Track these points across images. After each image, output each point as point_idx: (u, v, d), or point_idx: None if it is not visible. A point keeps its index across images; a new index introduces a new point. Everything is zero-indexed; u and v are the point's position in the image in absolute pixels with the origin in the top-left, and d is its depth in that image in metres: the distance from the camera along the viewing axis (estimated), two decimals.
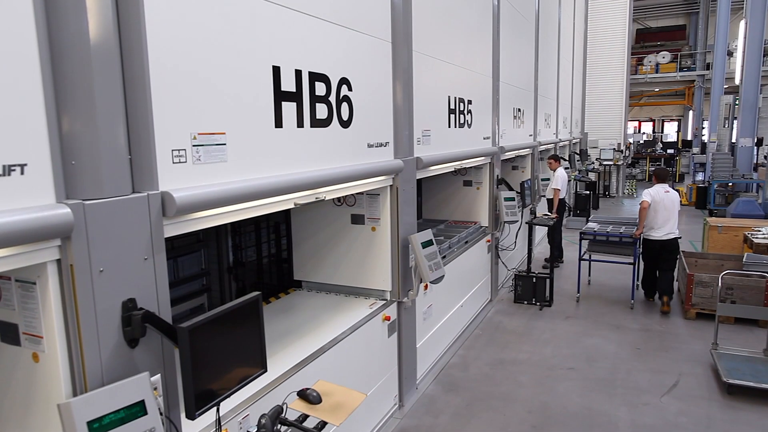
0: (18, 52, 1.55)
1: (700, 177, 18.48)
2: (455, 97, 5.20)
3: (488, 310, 6.59)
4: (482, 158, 6.08)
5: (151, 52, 1.93)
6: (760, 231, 7.26)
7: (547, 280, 6.67)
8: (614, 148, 16.94)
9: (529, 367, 5.02)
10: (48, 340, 1.73)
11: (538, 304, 6.69)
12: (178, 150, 2.07)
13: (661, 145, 22.33)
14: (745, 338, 5.54)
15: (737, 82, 14.33)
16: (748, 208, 8.67)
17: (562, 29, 11.91)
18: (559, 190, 8.07)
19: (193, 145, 2.14)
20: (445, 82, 4.95)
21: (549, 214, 7.10)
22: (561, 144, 12.22)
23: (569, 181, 11.63)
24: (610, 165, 16.75)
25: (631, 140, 24.36)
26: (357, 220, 4.09)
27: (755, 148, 23.58)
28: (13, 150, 1.54)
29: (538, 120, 9.37)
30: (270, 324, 3.58)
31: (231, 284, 5.01)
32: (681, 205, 7.03)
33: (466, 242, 5.93)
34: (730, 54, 22.67)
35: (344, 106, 3.22)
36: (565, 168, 11.76)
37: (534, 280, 6.70)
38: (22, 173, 1.56)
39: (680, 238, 6.62)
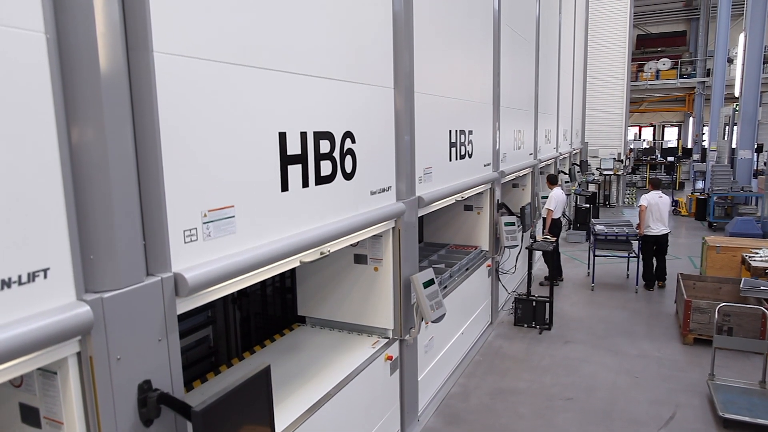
0: (44, 173, 1.63)
1: (700, 185, 18.57)
2: (456, 130, 5.29)
3: (488, 333, 6.67)
4: (483, 186, 6.16)
5: (164, 140, 2.01)
6: (757, 253, 7.34)
7: (547, 304, 6.75)
8: (614, 158, 17.02)
9: (529, 397, 5.10)
10: (68, 426, 1.82)
11: (537, 327, 6.77)
12: (190, 230, 2.15)
13: (659, 153, 22.34)
14: (742, 366, 5.63)
15: (737, 94, 14.41)
16: (747, 227, 8.74)
17: (563, 41, 11.99)
18: (552, 210, 8.17)
19: (204, 223, 2.22)
20: (447, 117, 5.03)
21: (548, 237, 7.18)
22: (561, 158, 12.31)
23: (569, 195, 11.74)
24: (610, 174, 16.82)
25: (632, 146, 24.47)
26: (360, 260, 4.17)
27: (755, 154, 23.72)
28: (37, 257, 1.62)
29: (538, 138, 9.45)
30: (276, 365, 3.67)
31: (236, 314, 5.09)
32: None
33: (467, 269, 6.01)
34: (730, 61, 22.75)
35: (348, 159, 3.30)
36: (566, 182, 11.87)
37: (534, 304, 6.78)
38: (45, 277, 1.65)
39: (670, 232, 8.30)
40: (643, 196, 8.19)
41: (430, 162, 4.62)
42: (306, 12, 2.82)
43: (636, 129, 30.24)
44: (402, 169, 4.04)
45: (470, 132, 5.70)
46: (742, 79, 13.82)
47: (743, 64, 13.91)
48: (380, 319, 4.17)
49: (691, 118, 26.30)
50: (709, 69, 24.70)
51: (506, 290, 7.39)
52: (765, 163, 17.72)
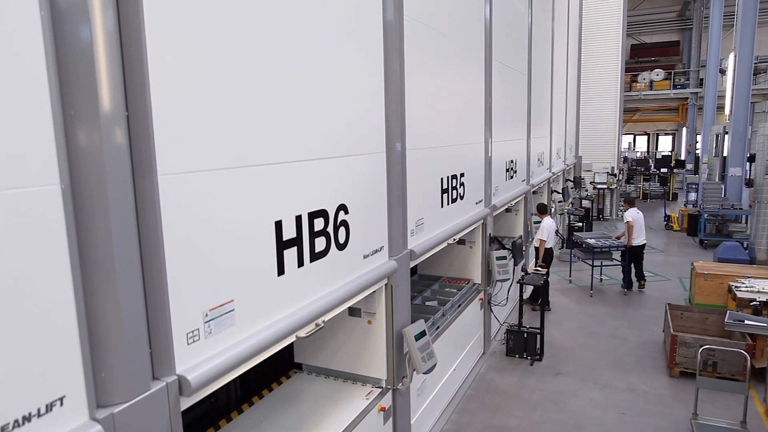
0: (61, 311, 1.79)
1: (692, 197, 18.80)
2: (448, 176, 5.45)
3: (481, 365, 6.83)
4: (475, 224, 6.33)
5: (167, 250, 2.16)
6: (743, 283, 7.52)
7: (538, 336, 6.92)
8: (608, 172, 17.22)
9: None
10: None
11: (529, 358, 6.94)
12: (192, 331, 2.31)
13: (653, 164, 22.57)
14: (726, 400, 5.80)
15: (727, 112, 14.61)
16: (734, 253, 8.93)
17: (556, 59, 12.18)
18: (545, 240, 8.34)
19: (205, 322, 2.38)
20: (439, 166, 5.19)
21: (539, 270, 7.35)
22: (554, 177, 12.49)
23: (562, 214, 11.91)
24: (604, 188, 17.02)
25: (626, 155, 24.69)
26: (354, 312, 4.32)
27: (748, 164, 23.93)
28: (54, 387, 1.77)
29: (531, 164, 9.62)
30: (274, 419, 3.83)
31: None
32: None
33: (460, 305, 6.17)
34: (722, 72, 23.03)
35: (341, 230, 3.46)
36: (559, 201, 12.05)
37: (525, 336, 6.95)
38: (61, 405, 1.80)
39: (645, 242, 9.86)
40: (626, 213, 9.70)
41: (422, 213, 4.78)
42: (300, 105, 2.97)
43: (630, 137, 30.48)
44: (394, 227, 4.20)
45: (462, 174, 5.86)
46: (732, 97, 14.03)
47: (733, 82, 14.12)
48: (374, 369, 4.33)
49: (684, 128, 26.54)
50: (702, 79, 24.97)
51: (498, 321, 7.55)
52: (750, 180, 17.91)
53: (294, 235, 2.97)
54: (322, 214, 3.23)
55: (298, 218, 3.00)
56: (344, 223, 3.48)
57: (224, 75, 2.40)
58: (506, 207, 9.29)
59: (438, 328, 5.48)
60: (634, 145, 30.11)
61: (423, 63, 4.69)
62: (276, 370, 4.90)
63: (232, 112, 2.46)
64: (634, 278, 9.81)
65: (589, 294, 9.62)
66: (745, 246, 9.64)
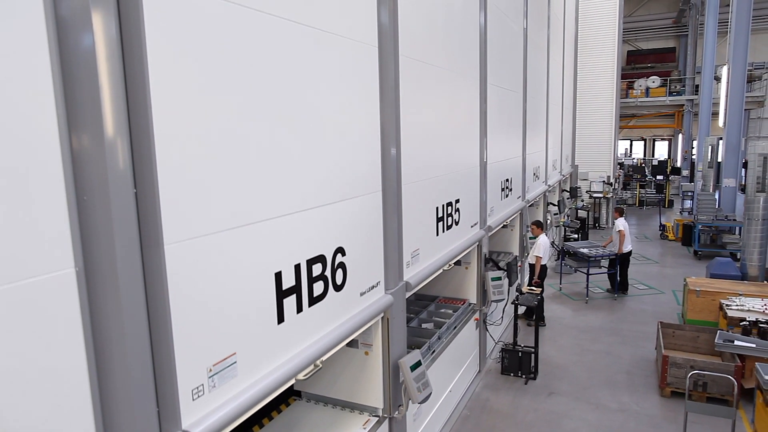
0: (77, 383, 1.91)
1: (688, 204, 18.96)
2: (443, 204, 5.57)
3: (476, 383, 6.96)
4: (470, 247, 6.45)
5: (174, 314, 2.28)
6: (733, 301, 7.66)
7: (532, 355, 7.05)
8: (604, 181, 17.38)
9: None
10: None
11: (524, 377, 7.07)
12: (197, 387, 2.43)
13: (649, 171, 22.74)
14: (715, 421, 5.93)
15: (720, 124, 14.77)
16: (726, 269, 9.08)
17: (552, 72, 12.29)
18: (541, 257, 8.48)
19: (209, 377, 2.50)
20: (435, 196, 5.32)
21: (534, 289, 7.48)
22: (550, 189, 12.62)
23: (558, 226, 12.05)
24: (600, 198, 17.18)
25: (622, 161, 24.86)
26: (352, 344, 4.44)
27: (743, 169, 24.10)
28: None
29: (526, 180, 9.75)
30: None
31: None
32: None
33: (455, 327, 6.30)
34: (717, 79, 23.21)
35: (339, 272, 3.58)
36: (555, 214, 12.19)
37: (520, 354, 7.08)
38: None
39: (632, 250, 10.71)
40: (617, 222, 10.52)
41: (417, 244, 4.91)
42: (297, 160, 3.09)
43: (627, 143, 30.66)
44: (390, 261, 4.32)
45: (457, 201, 5.99)
46: (725, 109, 14.20)
47: (727, 93, 14.29)
48: (371, 398, 4.46)
49: (680, 135, 26.72)
50: (697, 85, 25.15)
51: (493, 339, 7.68)
52: (742, 189, 17.96)
53: (293, 283, 3.09)
54: (320, 259, 3.36)
55: (297, 266, 3.13)
56: (341, 265, 3.61)
57: (225, 145, 2.52)
58: (502, 224, 9.45)
59: (434, 352, 5.60)
60: (631, 151, 30.29)
61: (419, 97, 4.81)
62: (276, 397, 5.02)
63: (232, 177, 2.58)
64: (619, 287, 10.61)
65: (584, 301, 10.27)
66: (738, 258, 9.77)
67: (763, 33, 26.68)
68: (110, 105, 1.95)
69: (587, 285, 10.41)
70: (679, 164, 25.83)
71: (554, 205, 12.78)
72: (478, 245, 6.81)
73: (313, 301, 3.30)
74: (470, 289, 7.02)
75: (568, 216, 13.13)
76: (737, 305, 7.53)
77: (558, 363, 7.52)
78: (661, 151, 30.17)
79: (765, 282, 8.94)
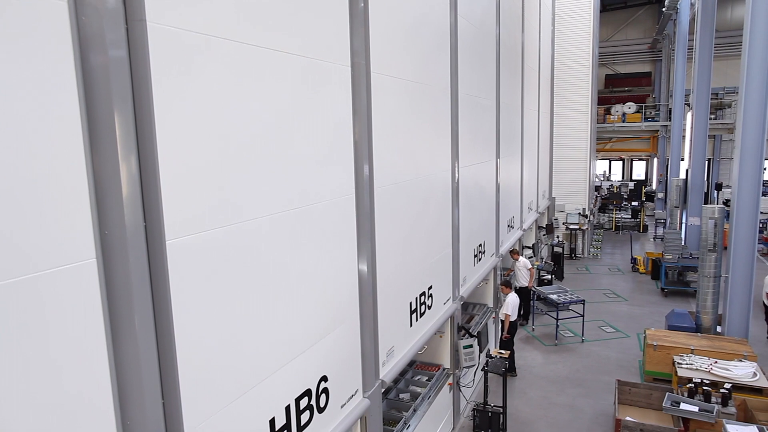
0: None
1: (661, 231, 19.87)
2: (417, 296, 6.24)
3: None
4: (444, 322, 7.13)
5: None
6: (684, 359, 8.43)
7: (501, 415, 7.75)
8: (580, 213, 18.21)
9: None
10: None
11: None
12: None
13: (626, 195, 23.63)
14: None
15: (685, 166, 15.65)
16: (682, 320, 9.86)
17: (527, 120, 12.95)
18: (509, 315, 9.22)
19: None
20: (408, 292, 5.97)
21: (502, 353, 8.18)
22: (525, 231, 13.34)
23: (531, 268, 12.78)
24: (576, 229, 17.99)
25: (600, 184, 25.75)
26: None
27: (716, 192, 25.07)
28: None
29: (500, 235, 10.46)
30: None
31: None
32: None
33: (430, 396, 6.97)
34: (689, 105, 24.24)
35: (323, 396, 4.23)
36: (529, 257, 12.91)
37: (490, 414, 7.78)
38: None
39: None
40: (518, 262, 11.67)
41: (392, 342, 5.56)
42: (280, 317, 3.73)
43: (606, 163, 31.64)
44: (367, 367, 4.97)
45: (430, 287, 6.67)
46: (690, 151, 15.07)
47: (692, 136, 15.16)
48: None
49: (655, 159, 27.71)
50: (671, 109, 26.17)
51: (466, 399, 8.38)
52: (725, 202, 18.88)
53: (284, 422, 3.74)
54: (307, 393, 4.00)
55: (287, 408, 3.77)
56: (325, 390, 4.25)
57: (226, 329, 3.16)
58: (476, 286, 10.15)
59: (410, 427, 6.26)
60: (610, 171, 31.30)
61: (390, 216, 5.47)
62: None
63: (230, 355, 3.22)
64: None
65: (554, 344, 11.15)
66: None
67: (734, 59, 27.76)
68: (125, 166, 2.58)
69: (557, 329, 11.15)
70: (654, 186, 26.79)
71: (529, 248, 13.52)
72: (451, 317, 7.49)
73: (300, 429, 3.94)
74: (444, 355, 7.71)
75: (542, 259, 13.88)
76: (687, 364, 8.30)
77: (525, 419, 8.23)
78: (639, 171, 31.22)
79: (717, 332, 9.74)
